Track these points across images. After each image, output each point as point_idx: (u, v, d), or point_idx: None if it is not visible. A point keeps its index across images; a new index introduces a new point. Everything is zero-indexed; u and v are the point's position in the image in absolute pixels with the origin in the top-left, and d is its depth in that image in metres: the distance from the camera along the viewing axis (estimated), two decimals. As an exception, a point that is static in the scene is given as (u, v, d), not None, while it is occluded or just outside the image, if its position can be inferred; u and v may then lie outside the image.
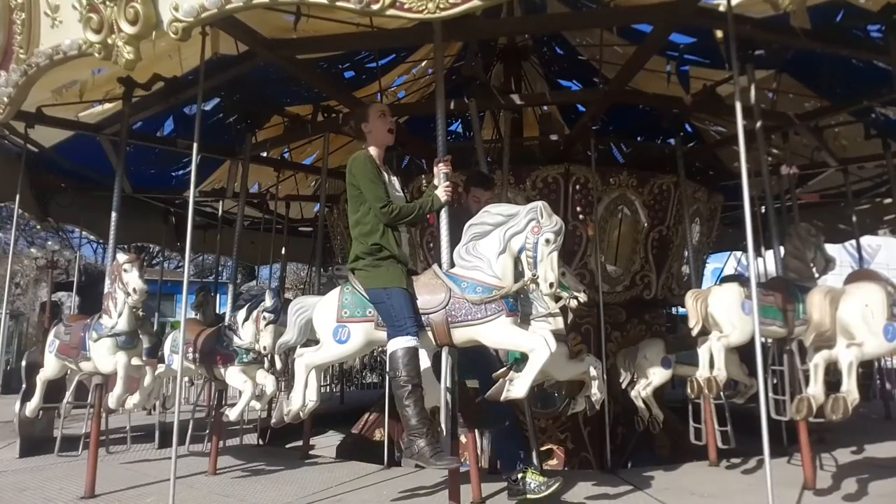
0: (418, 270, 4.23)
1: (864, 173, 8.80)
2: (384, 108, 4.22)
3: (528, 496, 4.09)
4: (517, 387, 3.53)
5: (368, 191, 3.80)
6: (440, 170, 3.93)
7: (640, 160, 8.46)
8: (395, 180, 4.07)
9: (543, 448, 6.59)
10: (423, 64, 8.89)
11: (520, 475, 4.21)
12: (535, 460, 4.55)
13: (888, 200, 9.34)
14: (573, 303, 4.54)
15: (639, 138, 9.48)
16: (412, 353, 3.59)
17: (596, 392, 4.47)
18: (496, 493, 4.65)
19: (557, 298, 4.43)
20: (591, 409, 4.59)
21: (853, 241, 8.97)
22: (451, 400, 3.62)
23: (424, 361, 4.48)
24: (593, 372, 4.49)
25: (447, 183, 3.88)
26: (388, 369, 3.74)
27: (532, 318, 4.34)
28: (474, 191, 4.67)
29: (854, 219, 8.41)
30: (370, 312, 3.76)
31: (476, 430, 4.75)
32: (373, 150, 4.01)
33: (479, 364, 4.19)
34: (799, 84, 6.87)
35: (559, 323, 4.48)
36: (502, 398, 3.67)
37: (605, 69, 7.81)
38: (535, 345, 3.49)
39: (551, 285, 3.50)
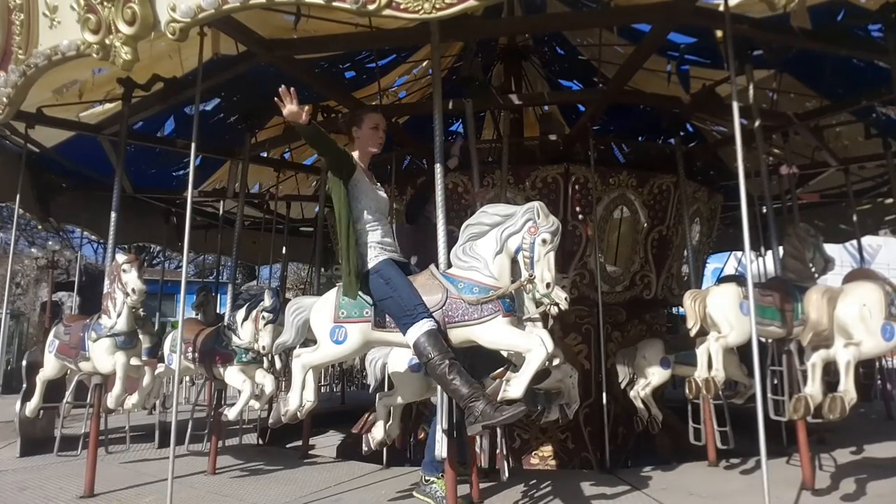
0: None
1: (865, 173, 8.79)
2: (380, 120, 4.14)
3: (427, 499, 4.36)
4: (514, 387, 3.51)
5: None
6: None
7: (640, 160, 8.46)
8: (383, 193, 4.05)
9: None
10: (424, 64, 8.90)
11: (432, 478, 4.38)
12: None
13: (889, 200, 9.34)
14: (554, 310, 4.54)
15: (639, 138, 9.48)
16: (434, 335, 3.51)
17: (571, 400, 4.50)
18: (494, 492, 4.66)
19: (538, 304, 4.42)
20: (563, 418, 4.63)
21: (854, 242, 8.95)
22: (447, 400, 3.62)
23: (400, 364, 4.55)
24: (568, 381, 4.50)
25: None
26: (418, 359, 3.66)
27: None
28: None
29: (855, 219, 8.40)
30: (367, 313, 3.75)
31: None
32: (355, 154, 4.03)
33: (490, 365, 4.20)
34: (800, 83, 6.86)
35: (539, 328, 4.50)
36: (499, 398, 3.66)
37: (605, 69, 7.81)
38: (532, 345, 3.48)
39: (548, 285, 3.48)
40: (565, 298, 4.59)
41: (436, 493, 4.32)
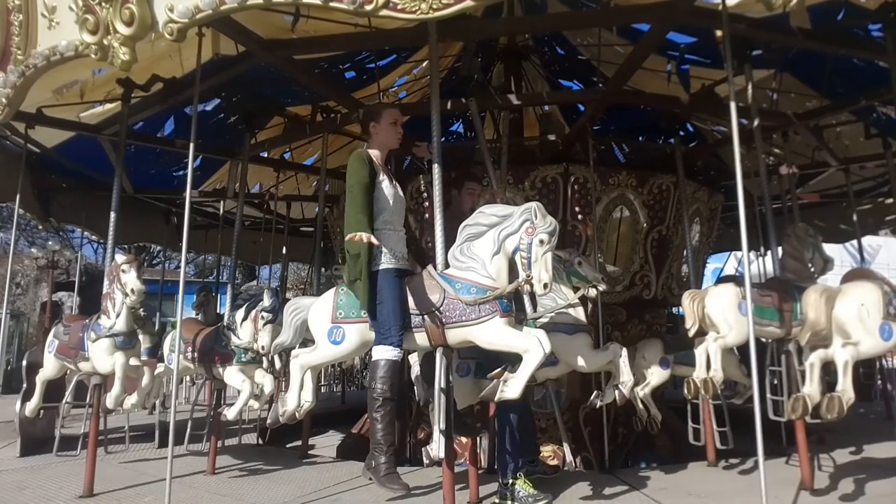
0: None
1: (865, 173, 8.77)
2: (398, 116, 4.16)
3: None
4: (511, 387, 3.53)
5: (352, 197, 3.76)
6: None
7: (640, 160, 8.46)
8: (397, 188, 4.05)
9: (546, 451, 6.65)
10: (425, 64, 8.88)
11: (511, 480, 4.25)
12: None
13: (889, 200, 9.32)
14: (592, 292, 4.55)
15: (639, 138, 9.47)
16: (392, 367, 3.64)
17: (625, 380, 4.49)
18: (494, 493, 4.66)
19: (576, 289, 4.46)
20: (621, 399, 4.61)
21: (854, 241, 8.94)
22: (445, 400, 3.62)
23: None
24: (620, 360, 4.50)
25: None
26: (369, 376, 3.78)
27: (553, 310, 4.39)
28: (468, 185, 4.70)
29: (855, 219, 8.38)
30: (364, 313, 3.77)
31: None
32: (374, 151, 4.02)
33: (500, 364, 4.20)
34: (800, 83, 6.86)
35: (580, 313, 4.51)
36: (496, 399, 3.67)
37: (605, 69, 7.81)
38: (529, 345, 3.49)
39: (545, 286, 3.50)
40: (602, 278, 4.62)
41: (518, 494, 4.27)
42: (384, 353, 3.64)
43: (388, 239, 3.83)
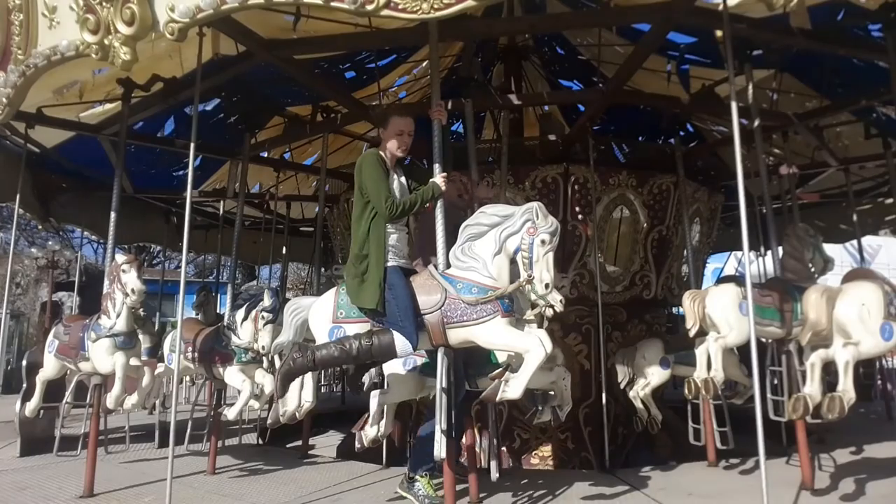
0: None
1: (865, 173, 8.77)
2: (406, 126, 4.05)
3: (410, 498, 4.34)
4: (512, 388, 3.53)
5: (372, 188, 3.79)
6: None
7: (640, 160, 8.46)
8: (404, 181, 4.07)
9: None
10: (425, 64, 8.87)
11: (415, 476, 4.34)
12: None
13: (889, 200, 9.33)
14: (549, 311, 4.52)
15: (639, 138, 9.47)
16: (389, 346, 3.67)
17: (563, 403, 4.48)
18: (494, 493, 4.66)
19: (533, 306, 4.42)
20: (555, 421, 4.59)
21: (854, 241, 8.94)
22: (445, 400, 3.62)
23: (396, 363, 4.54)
24: (563, 383, 4.49)
25: (443, 174, 3.93)
26: (348, 336, 3.80)
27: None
28: (452, 174, 4.71)
29: (855, 219, 8.38)
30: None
31: (476, 430, 4.79)
32: (383, 153, 4.02)
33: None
34: (800, 83, 6.86)
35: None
36: (497, 399, 3.67)
37: (605, 69, 7.81)
38: (531, 345, 3.50)
39: (547, 286, 3.51)
40: (560, 301, 4.57)
41: (418, 492, 4.31)
42: (401, 345, 3.64)
43: (391, 237, 3.85)
